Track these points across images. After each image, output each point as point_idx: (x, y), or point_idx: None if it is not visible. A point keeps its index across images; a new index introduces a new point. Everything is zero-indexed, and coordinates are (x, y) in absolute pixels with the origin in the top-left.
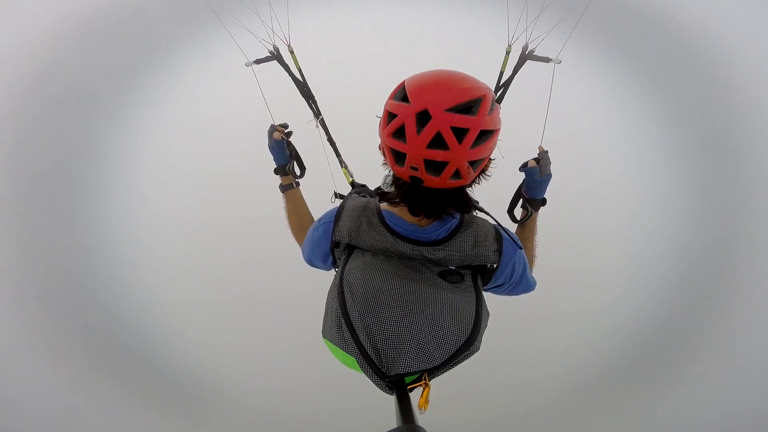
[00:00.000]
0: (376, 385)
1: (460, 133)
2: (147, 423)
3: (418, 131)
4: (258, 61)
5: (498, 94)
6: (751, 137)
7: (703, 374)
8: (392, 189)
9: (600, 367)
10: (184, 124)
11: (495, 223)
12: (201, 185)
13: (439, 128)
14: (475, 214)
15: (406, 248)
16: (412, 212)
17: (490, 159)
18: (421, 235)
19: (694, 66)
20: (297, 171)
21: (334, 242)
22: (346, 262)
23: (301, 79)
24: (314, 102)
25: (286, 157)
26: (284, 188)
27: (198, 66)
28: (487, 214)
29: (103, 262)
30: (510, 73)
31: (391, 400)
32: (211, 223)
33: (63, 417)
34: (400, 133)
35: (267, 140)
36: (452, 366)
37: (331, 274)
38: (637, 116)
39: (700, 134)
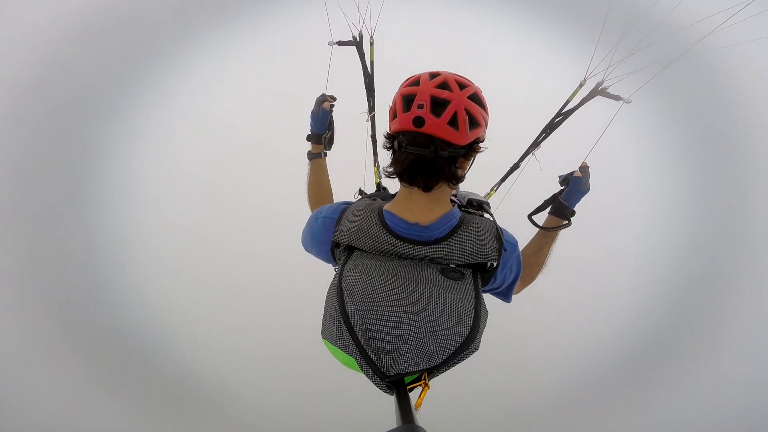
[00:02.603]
0: (375, 385)
1: (461, 85)
2: (147, 422)
3: (430, 78)
4: (340, 43)
5: (558, 120)
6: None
7: (701, 376)
8: (389, 169)
9: (599, 367)
10: (186, 123)
11: (495, 223)
12: (203, 184)
13: (445, 78)
14: (481, 215)
15: (406, 249)
16: (405, 178)
17: (480, 144)
18: (422, 234)
19: (716, 91)
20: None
21: (334, 243)
22: (345, 263)
23: (370, 71)
24: (373, 97)
25: (324, 127)
26: (312, 156)
27: (199, 66)
28: (491, 216)
29: (103, 262)
30: (575, 104)
31: (390, 400)
32: (214, 223)
33: (63, 417)
34: (414, 83)
35: (313, 106)
36: (452, 365)
37: (330, 272)
38: (646, 124)
39: (704, 138)
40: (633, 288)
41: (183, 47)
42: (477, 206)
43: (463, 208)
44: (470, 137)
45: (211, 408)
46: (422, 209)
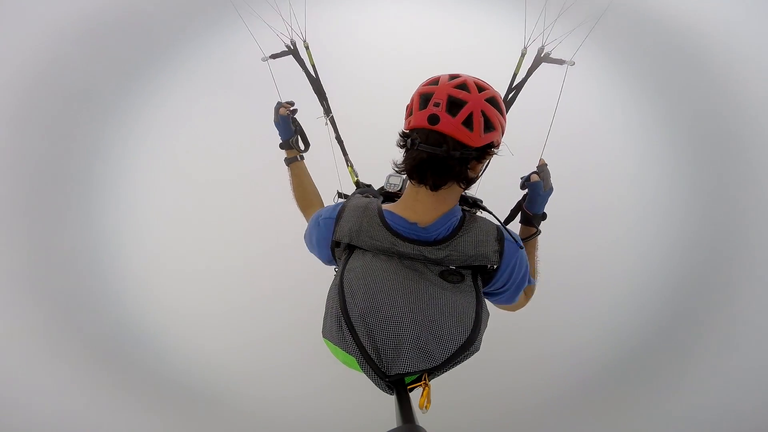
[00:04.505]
0: (376, 384)
1: (480, 88)
2: (148, 424)
3: (449, 80)
4: (274, 56)
5: (510, 96)
6: (752, 140)
7: (700, 377)
8: (400, 165)
9: (599, 368)
10: (186, 123)
11: (497, 223)
12: (203, 185)
13: (465, 80)
14: (478, 213)
15: (407, 248)
16: (415, 176)
17: (493, 150)
18: (422, 235)
19: (697, 70)
20: (301, 146)
21: (334, 242)
22: (346, 262)
23: (314, 75)
24: (326, 99)
25: (290, 132)
26: (288, 161)
27: (200, 66)
28: (491, 213)
29: (103, 262)
30: (523, 75)
31: (391, 400)
32: (214, 225)
33: (63, 417)
34: (433, 83)
35: (273, 116)
36: (452, 366)
37: (331, 273)
38: (640, 117)
39: (701, 136)
40: (627, 280)
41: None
42: (472, 203)
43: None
44: (484, 140)
45: (212, 407)
46: (426, 209)
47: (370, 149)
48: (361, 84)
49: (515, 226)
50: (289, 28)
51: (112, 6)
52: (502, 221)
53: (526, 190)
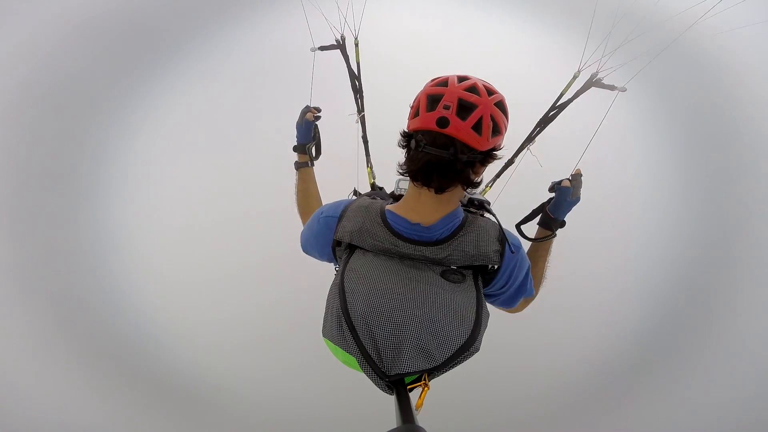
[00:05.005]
0: (375, 384)
1: (489, 92)
2: (147, 423)
3: (459, 82)
4: (323, 48)
5: (552, 113)
6: (752, 142)
7: (702, 375)
8: (403, 166)
9: (600, 367)
10: (187, 125)
11: (499, 224)
12: (203, 186)
13: (474, 83)
14: (483, 215)
15: (408, 249)
16: (420, 178)
17: (496, 153)
18: (423, 235)
19: (703, 78)
20: (314, 153)
21: (335, 241)
22: (347, 262)
23: (357, 72)
24: (362, 98)
25: (309, 137)
26: (299, 165)
27: (201, 66)
28: (494, 216)
29: (103, 262)
30: (569, 96)
31: (391, 400)
32: (213, 225)
33: (63, 417)
34: (442, 84)
35: (297, 117)
36: (452, 366)
37: (331, 273)
38: (644, 121)
39: (702, 138)
40: (630, 288)
41: (182, 48)
42: (478, 205)
43: (464, 207)
44: (490, 144)
45: (212, 408)
46: (428, 210)
47: (394, 155)
48: (400, 89)
49: (532, 227)
50: (342, 22)
51: (114, 6)
52: (522, 219)
53: (554, 194)
